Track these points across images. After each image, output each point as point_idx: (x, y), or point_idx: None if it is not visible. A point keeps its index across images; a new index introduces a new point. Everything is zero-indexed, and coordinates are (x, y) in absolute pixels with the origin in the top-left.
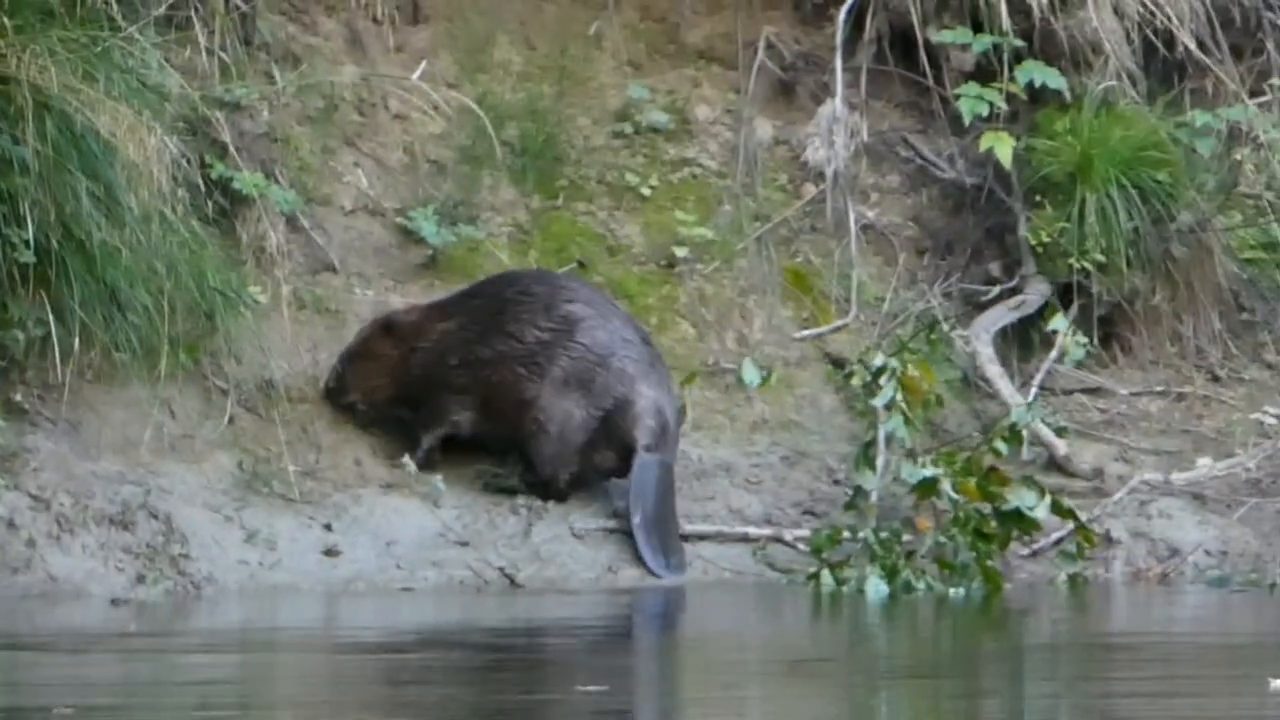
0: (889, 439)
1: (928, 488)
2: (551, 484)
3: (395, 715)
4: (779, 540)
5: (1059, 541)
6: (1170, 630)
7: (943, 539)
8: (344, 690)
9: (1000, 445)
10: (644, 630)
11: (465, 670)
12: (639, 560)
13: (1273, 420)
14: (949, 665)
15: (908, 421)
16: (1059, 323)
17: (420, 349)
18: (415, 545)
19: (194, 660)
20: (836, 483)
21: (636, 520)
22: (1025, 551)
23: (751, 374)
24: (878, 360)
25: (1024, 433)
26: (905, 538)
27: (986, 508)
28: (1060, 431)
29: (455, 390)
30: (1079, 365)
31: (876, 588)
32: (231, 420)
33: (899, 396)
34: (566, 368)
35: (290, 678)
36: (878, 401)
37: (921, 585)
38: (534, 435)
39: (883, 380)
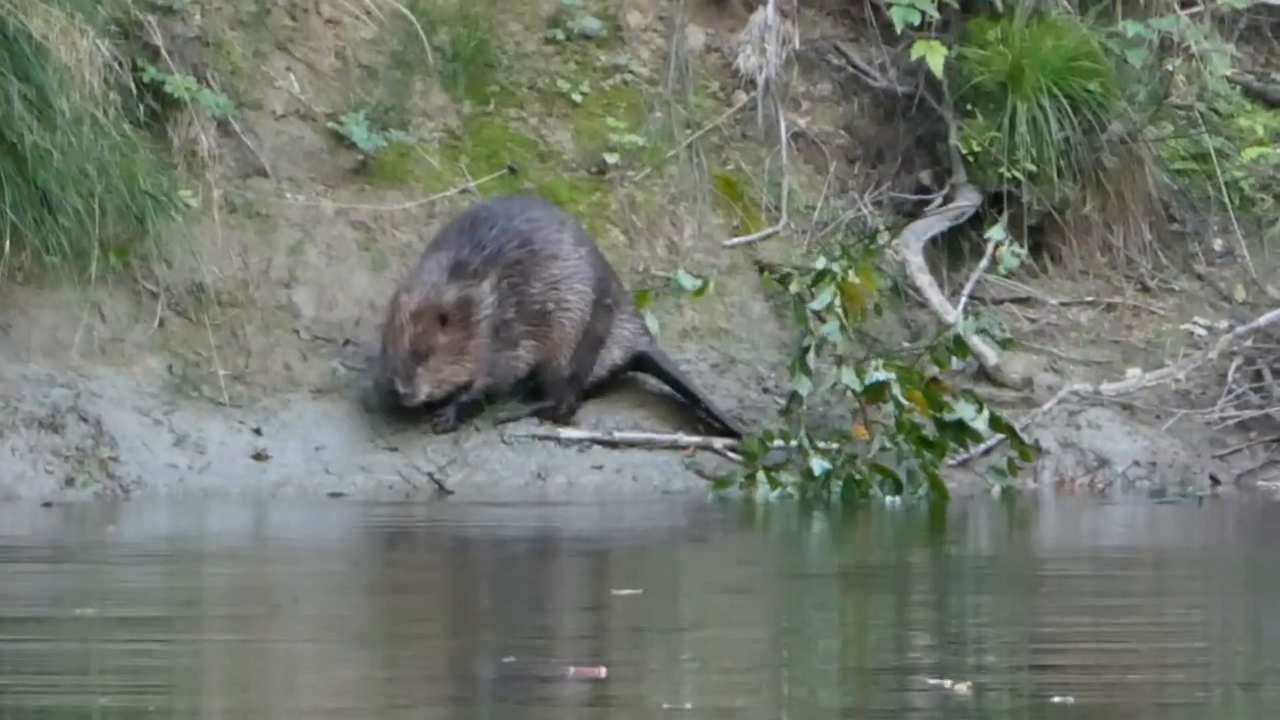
0: (821, 345)
1: (876, 392)
2: (570, 402)
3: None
4: (708, 448)
5: (987, 451)
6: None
7: (888, 445)
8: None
9: (945, 356)
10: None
11: (479, 574)
12: (716, 426)
13: (1202, 331)
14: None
15: (843, 327)
16: (996, 232)
17: (482, 319)
18: (345, 450)
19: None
20: (766, 390)
21: (699, 390)
22: (953, 461)
23: (687, 281)
24: (820, 264)
25: (974, 345)
26: (836, 445)
27: (923, 418)
28: (1006, 344)
29: (514, 343)
30: (1009, 274)
31: (820, 466)
32: (161, 324)
33: (837, 301)
34: (595, 279)
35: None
36: (816, 305)
37: (875, 490)
38: (576, 350)
39: (822, 284)
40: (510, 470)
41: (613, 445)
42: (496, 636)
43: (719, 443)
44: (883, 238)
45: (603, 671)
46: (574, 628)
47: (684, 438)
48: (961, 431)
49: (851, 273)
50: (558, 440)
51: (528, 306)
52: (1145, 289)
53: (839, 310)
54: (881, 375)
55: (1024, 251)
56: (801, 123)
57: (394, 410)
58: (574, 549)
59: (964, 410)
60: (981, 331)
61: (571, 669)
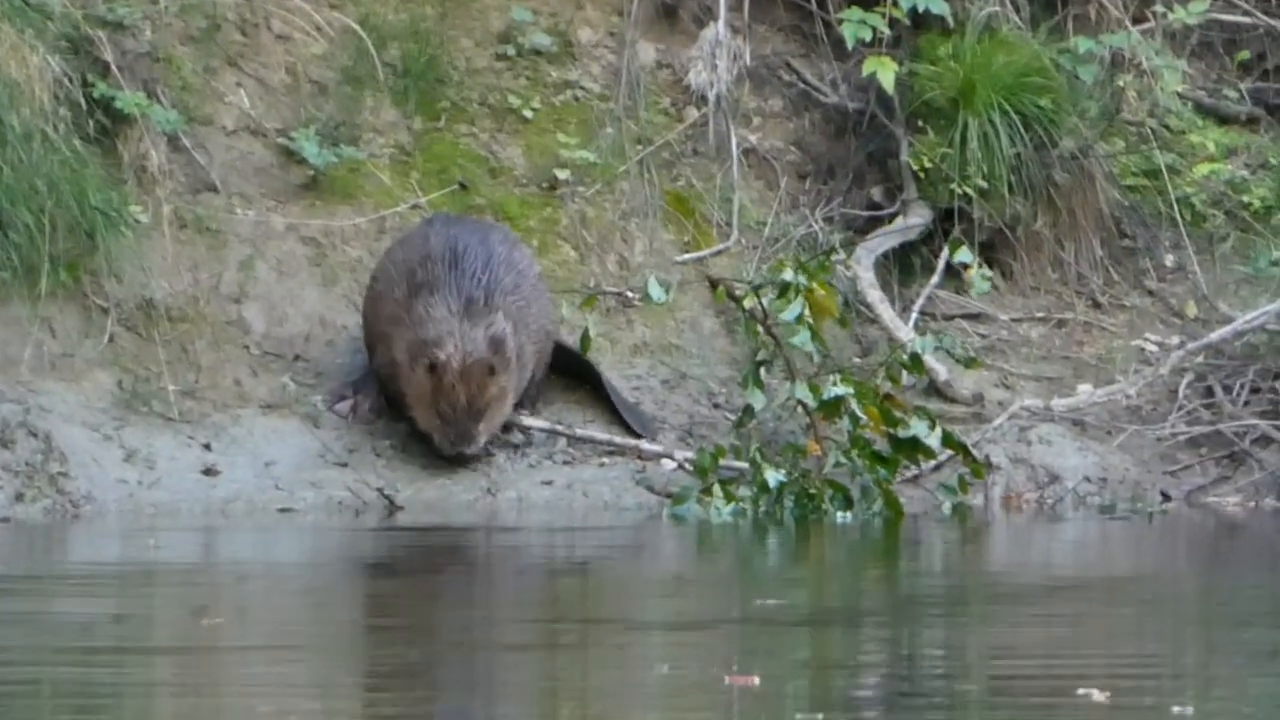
0: (774, 360)
1: (832, 407)
2: (534, 399)
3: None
4: (668, 457)
5: (938, 467)
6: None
7: (842, 460)
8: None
9: (899, 372)
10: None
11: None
12: (623, 425)
13: (1153, 348)
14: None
15: (815, 336)
16: (964, 255)
17: (511, 354)
18: (294, 466)
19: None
20: (717, 406)
21: (611, 384)
22: (903, 477)
23: (657, 291)
24: (786, 275)
25: (925, 360)
26: (789, 460)
27: (875, 434)
28: (970, 363)
29: (526, 364)
30: (960, 292)
31: (775, 478)
32: (111, 339)
33: (807, 312)
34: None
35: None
36: (787, 315)
37: (827, 505)
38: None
39: (788, 296)
40: (460, 486)
41: (566, 456)
42: (644, 647)
43: (679, 455)
44: (838, 254)
45: (756, 680)
46: (720, 637)
47: (646, 446)
48: (915, 448)
49: (816, 286)
50: (520, 427)
51: (530, 326)
52: (1096, 305)
53: (808, 319)
54: (839, 390)
55: (992, 275)
56: (752, 139)
57: (344, 428)
58: (638, 569)
59: (918, 427)
60: (942, 350)
61: (726, 678)
